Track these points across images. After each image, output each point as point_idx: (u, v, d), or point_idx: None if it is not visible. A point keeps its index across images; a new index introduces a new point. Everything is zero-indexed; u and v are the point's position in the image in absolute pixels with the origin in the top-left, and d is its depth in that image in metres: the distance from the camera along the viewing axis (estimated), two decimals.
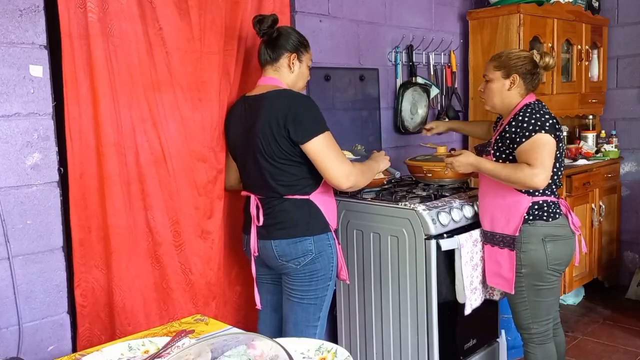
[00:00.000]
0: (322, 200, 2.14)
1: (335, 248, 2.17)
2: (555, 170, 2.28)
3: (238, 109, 2.22)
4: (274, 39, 2.16)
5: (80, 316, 2.07)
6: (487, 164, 2.30)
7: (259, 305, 2.25)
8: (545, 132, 2.18)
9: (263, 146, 2.05)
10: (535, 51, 2.36)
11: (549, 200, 2.29)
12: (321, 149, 2.01)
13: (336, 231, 2.22)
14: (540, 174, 2.15)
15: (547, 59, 2.32)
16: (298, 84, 2.23)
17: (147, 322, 2.16)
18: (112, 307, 2.11)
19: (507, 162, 2.29)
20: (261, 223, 2.13)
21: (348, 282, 2.41)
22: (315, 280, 2.12)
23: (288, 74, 2.18)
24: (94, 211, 2.06)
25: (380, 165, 2.32)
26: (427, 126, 2.92)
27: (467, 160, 2.33)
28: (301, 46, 2.19)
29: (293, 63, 2.17)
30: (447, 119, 3.62)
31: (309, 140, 2.00)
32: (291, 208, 2.10)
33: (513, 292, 2.37)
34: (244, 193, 2.25)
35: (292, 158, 2.05)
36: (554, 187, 2.30)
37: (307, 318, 2.16)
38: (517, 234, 2.30)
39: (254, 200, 2.16)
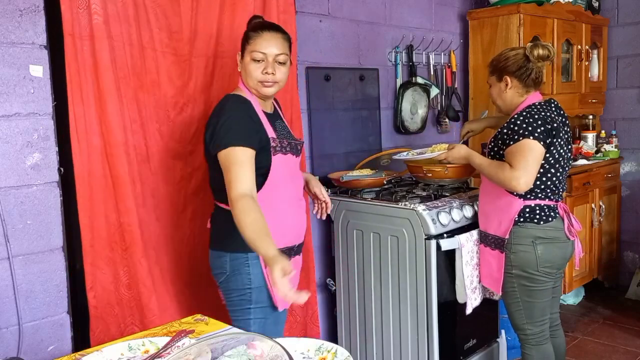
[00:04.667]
0: None
1: (259, 270, 1.88)
2: (550, 173, 2.25)
3: None
4: None
5: (93, 318, 2.09)
6: (477, 158, 2.36)
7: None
8: (534, 139, 2.17)
9: (204, 149, 1.96)
10: (528, 44, 2.33)
11: (542, 204, 2.28)
12: (222, 164, 1.82)
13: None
14: (520, 178, 2.15)
15: (536, 51, 2.27)
16: (248, 82, 1.92)
17: (155, 314, 2.21)
18: (132, 303, 2.15)
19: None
20: (209, 225, 2.07)
21: (279, 309, 1.97)
22: (230, 301, 1.94)
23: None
24: (102, 210, 2.09)
25: (263, 253, 1.68)
26: (463, 132, 2.76)
27: (459, 153, 2.42)
28: (243, 39, 1.94)
29: (239, 61, 1.96)
30: (447, 119, 3.62)
31: (216, 153, 1.83)
32: (216, 217, 1.99)
33: (500, 293, 2.39)
34: None
35: (211, 164, 1.92)
36: (548, 191, 2.27)
37: None
38: (507, 237, 2.30)
39: None
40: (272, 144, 1.90)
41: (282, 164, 1.93)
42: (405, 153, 2.74)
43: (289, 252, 1.96)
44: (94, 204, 2.07)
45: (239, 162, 1.79)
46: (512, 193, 2.27)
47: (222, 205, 1.94)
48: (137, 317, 2.16)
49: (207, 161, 1.98)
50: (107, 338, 2.10)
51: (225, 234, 1.91)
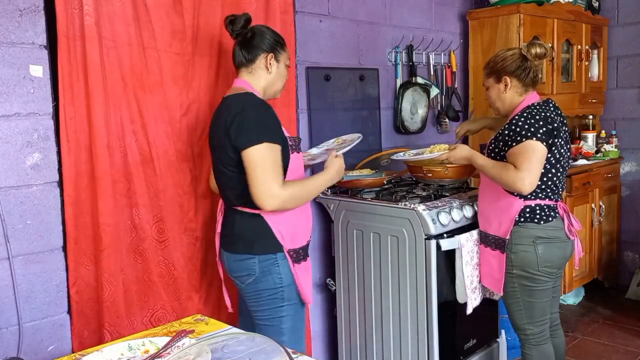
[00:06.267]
0: (277, 219, 1.96)
1: (288, 269, 1.99)
2: (551, 174, 2.25)
3: (216, 111, 2.17)
4: (249, 39, 2.05)
5: (75, 313, 2.09)
6: (479, 159, 2.35)
7: (229, 307, 2.22)
8: (537, 140, 2.17)
9: (217, 154, 2.01)
10: (524, 44, 2.34)
11: (542, 204, 2.28)
12: (253, 160, 1.86)
13: (293, 251, 2.00)
14: (525, 179, 2.15)
15: (534, 50, 2.28)
16: (276, 85, 2.11)
17: (132, 313, 2.21)
18: (102, 302, 2.14)
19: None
20: (218, 230, 2.11)
21: (309, 303, 2.11)
22: (262, 301, 2.00)
23: (265, 76, 2.07)
24: (86, 210, 2.09)
25: (327, 177, 2.06)
26: (462, 132, 2.75)
27: (461, 154, 2.41)
28: (277, 45, 2.08)
29: (270, 64, 2.06)
30: (447, 119, 3.62)
31: (245, 148, 1.87)
32: (239, 222, 2.00)
33: (501, 293, 2.39)
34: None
35: (238, 165, 1.92)
36: (548, 191, 2.27)
37: None
38: (507, 237, 2.30)
39: (220, 204, 2.14)
40: (290, 142, 1.99)
41: (298, 162, 2.04)
42: (402, 153, 2.74)
43: (306, 249, 2.07)
44: (79, 203, 2.07)
45: (273, 158, 1.88)
46: (512, 193, 2.27)
47: (245, 209, 1.98)
48: (106, 319, 2.15)
49: (223, 164, 1.98)
50: (87, 334, 2.12)
51: (252, 237, 1.97)
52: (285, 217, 1.98)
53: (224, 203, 2.10)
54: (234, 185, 1.98)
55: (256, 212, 1.95)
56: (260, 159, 1.86)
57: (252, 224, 1.97)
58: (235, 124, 1.89)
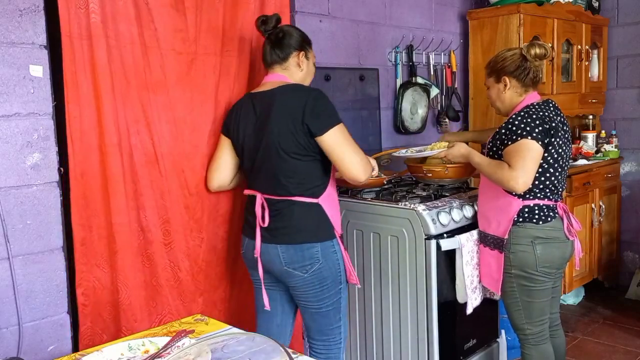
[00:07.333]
0: (329, 205, 2.10)
1: (341, 254, 2.13)
2: (549, 173, 2.26)
3: (245, 107, 2.17)
4: (280, 38, 2.15)
5: (81, 315, 2.08)
6: (476, 157, 2.37)
7: (267, 306, 2.18)
8: (532, 139, 2.17)
9: (278, 141, 2.01)
10: (525, 44, 2.35)
11: (541, 204, 2.28)
12: (339, 140, 2.00)
13: (342, 236, 2.18)
14: (518, 177, 2.15)
15: (533, 50, 2.28)
16: (306, 81, 2.22)
17: (142, 318, 2.19)
18: (117, 305, 2.13)
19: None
20: (266, 224, 2.07)
21: (359, 285, 2.30)
22: (326, 288, 2.10)
23: (297, 72, 2.18)
24: (94, 210, 2.07)
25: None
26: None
27: (459, 152, 2.44)
28: (306, 43, 2.20)
29: (302, 61, 2.17)
30: (447, 120, 3.62)
31: (326, 132, 1.99)
32: (299, 212, 2.06)
33: (499, 293, 2.39)
34: (247, 192, 2.20)
35: (307, 153, 2.02)
36: (547, 191, 2.27)
37: (329, 322, 2.16)
38: (506, 237, 2.30)
39: (259, 199, 2.10)
40: None
41: None
42: (404, 151, 2.75)
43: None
44: (88, 203, 2.06)
45: (349, 135, 2.05)
46: (510, 193, 2.27)
47: (305, 199, 2.05)
48: (122, 322, 2.13)
49: (284, 152, 2.02)
50: (96, 337, 2.11)
51: (315, 225, 2.06)
52: (334, 204, 2.14)
53: (272, 194, 2.08)
54: (293, 173, 2.04)
55: (315, 201, 2.06)
56: (347, 135, 2.03)
57: (312, 212, 2.06)
58: (309, 110, 1.99)
